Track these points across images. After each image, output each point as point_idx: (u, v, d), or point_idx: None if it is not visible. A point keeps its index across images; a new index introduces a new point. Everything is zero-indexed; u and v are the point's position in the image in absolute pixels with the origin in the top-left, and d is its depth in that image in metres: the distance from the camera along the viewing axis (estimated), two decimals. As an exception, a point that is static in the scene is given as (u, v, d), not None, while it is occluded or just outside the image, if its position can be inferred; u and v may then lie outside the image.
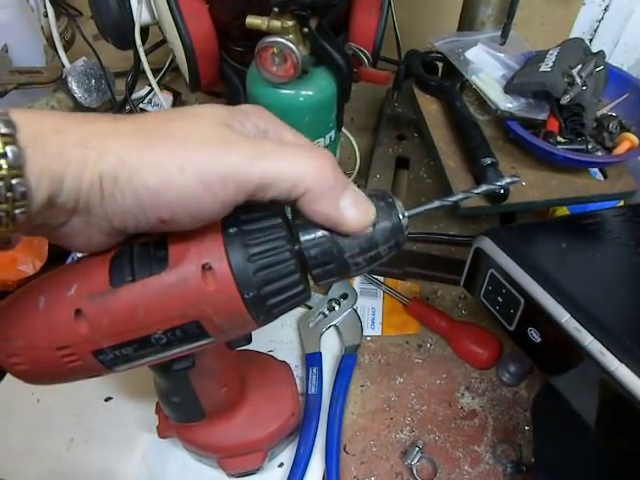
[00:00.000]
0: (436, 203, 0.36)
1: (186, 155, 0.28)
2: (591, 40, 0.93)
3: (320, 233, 0.32)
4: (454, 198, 0.37)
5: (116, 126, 0.29)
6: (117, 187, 0.27)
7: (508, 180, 0.38)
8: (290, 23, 0.55)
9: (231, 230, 0.31)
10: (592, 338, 0.43)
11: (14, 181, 0.24)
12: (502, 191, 0.56)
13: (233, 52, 0.68)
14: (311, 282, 0.34)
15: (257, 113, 0.34)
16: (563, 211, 0.69)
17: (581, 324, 0.43)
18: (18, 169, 0.24)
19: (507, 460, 0.58)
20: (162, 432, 0.54)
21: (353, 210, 0.31)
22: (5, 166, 0.24)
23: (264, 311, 0.32)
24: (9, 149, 0.24)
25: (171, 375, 0.41)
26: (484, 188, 0.38)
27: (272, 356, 0.58)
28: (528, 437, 0.59)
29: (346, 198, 0.31)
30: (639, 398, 0.39)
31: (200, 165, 0.28)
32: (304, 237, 0.32)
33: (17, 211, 0.25)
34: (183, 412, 0.48)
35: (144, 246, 0.33)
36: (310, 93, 0.58)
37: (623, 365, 0.40)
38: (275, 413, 0.53)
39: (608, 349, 0.42)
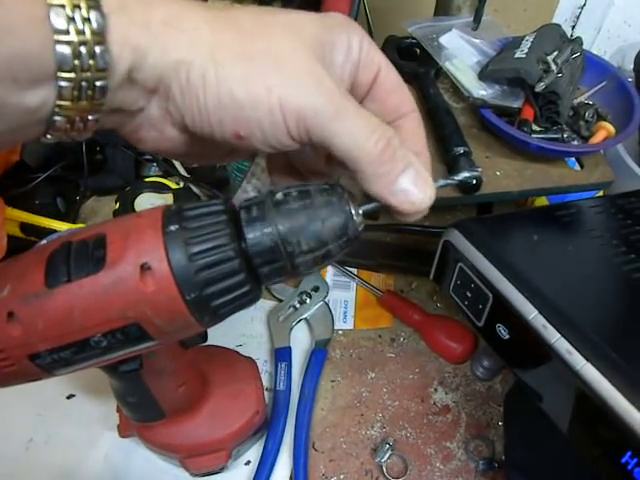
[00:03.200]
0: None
1: (279, 80, 0.27)
2: (573, 27, 0.91)
3: (268, 230, 0.30)
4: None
5: (207, 15, 0.27)
6: (203, 86, 0.27)
7: (466, 174, 0.37)
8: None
9: (172, 227, 0.30)
10: (559, 336, 0.41)
11: (97, 49, 0.24)
12: (474, 181, 0.54)
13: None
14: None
15: (349, 29, 0.31)
16: (542, 201, 0.68)
17: (549, 321, 0.42)
18: (101, 36, 0.24)
19: (479, 457, 0.57)
20: (123, 431, 0.52)
21: (408, 194, 0.30)
22: (89, 32, 0.23)
23: (208, 313, 0.31)
24: (93, 15, 0.23)
25: (121, 376, 0.40)
26: (440, 183, 0.34)
27: (237, 352, 0.56)
28: (501, 433, 0.58)
29: (404, 179, 0.29)
30: (604, 398, 0.38)
31: (288, 96, 0.27)
32: (250, 234, 0.30)
33: (98, 83, 0.24)
34: (141, 412, 0.46)
35: (83, 244, 0.31)
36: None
37: (589, 364, 0.39)
38: (238, 411, 0.51)
39: (575, 347, 0.40)
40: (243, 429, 0.51)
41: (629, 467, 0.37)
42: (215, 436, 0.50)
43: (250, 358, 0.55)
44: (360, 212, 0.31)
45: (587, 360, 0.39)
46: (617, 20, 0.87)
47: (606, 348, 0.40)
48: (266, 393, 0.60)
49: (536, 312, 0.43)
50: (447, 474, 0.56)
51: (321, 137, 0.28)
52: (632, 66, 0.74)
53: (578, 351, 0.40)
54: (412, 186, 0.29)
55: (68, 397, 0.59)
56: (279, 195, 0.30)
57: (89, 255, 0.30)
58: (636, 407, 0.37)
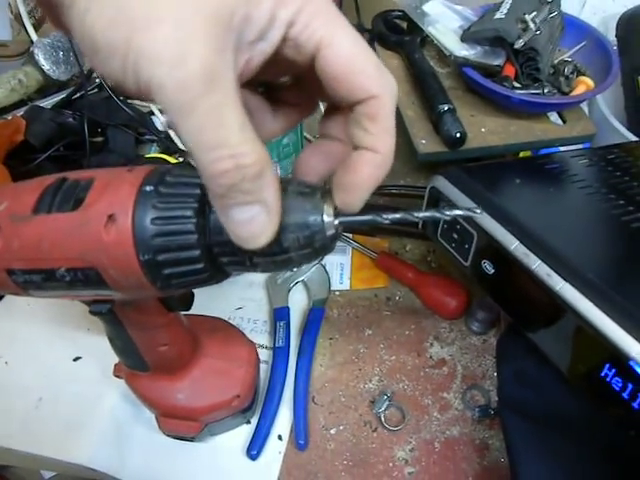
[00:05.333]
0: (369, 217, 0.30)
1: (142, 36, 0.23)
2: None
3: None
4: (390, 216, 0.30)
5: None
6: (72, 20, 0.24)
7: (460, 211, 0.31)
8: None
9: (147, 188, 0.30)
10: (539, 261, 0.43)
11: None
12: (458, 134, 0.56)
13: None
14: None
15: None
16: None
17: (529, 249, 0.44)
18: None
19: (475, 405, 0.58)
20: (116, 372, 0.54)
21: (239, 228, 0.27)
22: None
23: (161, 278, 0.31)
24: None
25: (104, 319, 0.41)
26: (427, 214, 0.31)
27: (243, 334, 0.55)
28: (497, 383, 0.59)
29: (239, 212, 0.26)
30: (582, 314, 0.39)
31: (143, 58, 0.23)
32: (212, 222, 0.29)
33: None
34: (126, 357, 0.48)
35: (74, 184, 0.33)
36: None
37: (567, 284, 0.41)
38: (219, 389, 0.51)
39: (554, 270, 0.42)
40: (217, 407, 0.51)
41: (608, 379, 0.39)
42: (189, 405, 0.50)
43: (252, 343, 0.55)
44: (336, 223, 0.29)
45: (565, 280, 0.41)
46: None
47: (584, 270, 0.42)
48: (265, 351, 0.62)
49: (517, 242, 0.45)
50: (444, 423, 0.57)
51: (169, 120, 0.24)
52: (615, 33, 0.76)
53: (557, 273, 0.42)
54: (246, 224, 0.26)
55: (75, 359, 0.61)
56: None
57: (74, 194, 0.32)
58: (613, 320, 0.38)
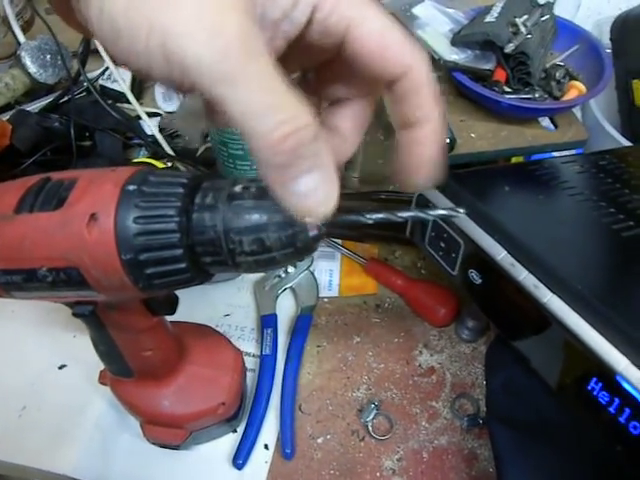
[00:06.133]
0: (353, 217, 0.31)
1: (167, 13, 0.22)
2: (553, 3, 0.92)
3: (212, 223, 0.29)
4: (374, 216, 0.31)
5: None
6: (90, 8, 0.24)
7: (443, 211, 0.32)
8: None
9: (131, 187, 0.30)
10: (526, 272, 0.42)
11: None
12: (447, 140, 0.56)
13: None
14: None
15: None
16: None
17: (516, 259, 0.43)
18: None
19: (464, 414, 0.57)
20: (101, 379, 0.53)
21: (305, 200, 0.25)
22: None
23: (143, 278, 0.31)
24: None
25: (88, 322, 0.41)
26: (410, 213, 0.32)
27: (229, 341, 0.55)
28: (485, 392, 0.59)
29: (304, 181, 0.25)
30: (570, 327, 0.39)
31: (171, 36, 0.22)
32: (195, 221, 0.30)
33: None
34: (110, 363, 0.47)
35: (57, 183, 0.33)
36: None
37: (555, 296, 0.40)
38: (204, 396, 0.50)
39: (541, 281, 0.41)
40: (203, 414, 0.50)
41: (594, 393, 0.38)
42: (175, 412, 0.50)
43: (238, 350, 0.54)
44: (319, 223, 0.28)
45: (553, 292, 0.40)
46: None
47: (572, 282, 0.41)
48: (252, 359, 0.61)
49: (504, 252, 0.44)
50: (433, 432, 0.57)
51: (210, 97, 0.23)
52: (609, 37, 0.75)
53: (544, 285, 0.41)
54: (311, 194, 0.25)
55: (60, 367, 0.61)
56: (238, 187, 0.30)
57: (57, 194, 0.32)
58: (600, 333, 0.37)
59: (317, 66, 0.31)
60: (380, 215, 0.30)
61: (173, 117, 0.78)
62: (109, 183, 0.31)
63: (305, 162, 0.24)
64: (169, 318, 0.45)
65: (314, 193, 0.25)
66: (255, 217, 0.29)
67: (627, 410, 0.36)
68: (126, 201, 0.30)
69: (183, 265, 0.30)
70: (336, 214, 0.27)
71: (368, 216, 0.30)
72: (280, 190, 0.25)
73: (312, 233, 0.29)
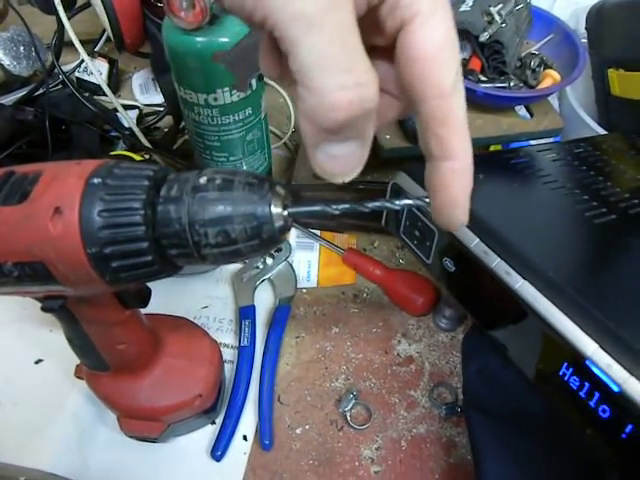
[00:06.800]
0: (319, 207, 0.30)
1: None
2: (531, -6, 0.93)
3: (176, 215, 0.29)
4: (340, 207, 0.30)
5: None
6: None
7: (410, 201, 0.31)
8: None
9: (95, 180, 0.30)
10: (498, 259, 0.43)
11: None
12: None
13: (154, 8, 0.67)
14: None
15: None
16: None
17: (489, 247, 0.43)
18: None
19: (443, 403, 0.58)
20: (77, 373, 0.53)
21: (333, 162, 0.24)
22: None
23: (109, 272, 0.31)
24: None
25: (59, 317, 0.41)
26: (377, 204, 0.31)
27: (206, 332, 0.55)
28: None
29: (340, 146, 0.24)
30: (541, 313, 0.39)
31: None
32: (160, 213, 0.30)
33: None
34: (85, 357, 0.47)
35: (21, 177, 0.32)
36: (226, 40, 0.56)
37: (526, 282, 0.40)
38: (181, 389, 0.50)
39: (513, 268, 0.41)
40: (179, 407, 0.50)
41: (565, 378, 0.38)
42: (151, 404, 0.50)
43: (215, 342, 0.54)
44: (285, 214, 0.29)
45: (524, 279, 0.41)
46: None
47: (544, 268, 0.41)
48: (231, 350, 0.61)
49: (477, 239, 0.44)
50: (411, 420, 0.57)
51: (280, 36, 0.21)
52: (584, 26, 0.75)
53: (516, 271, 0.41)
54: (342, 160, 0.24)
55: (36, 362, 0.60)
56: (202, 179, 0.30)
57: (20, 187, 0.32)
58: (571, 319, 0.38)
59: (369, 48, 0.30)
60: (346, 205, 0.30)
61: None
62: (73, 176, 0.30)
63: (352, 131, 0.23)
64: (145, 310, 0.45)
65: (344, 159, 0.24)
66: (219, 209, 0.28)
67: (597, 394, 0.36)
68: (90, 194, 0.30)
69: (149, 258, 0.30)
70: (302, 204, 0.28)
71: (334, 207, 0.30)
72: (312, 144, 0.24)
73: (278, 224, 0.29)
